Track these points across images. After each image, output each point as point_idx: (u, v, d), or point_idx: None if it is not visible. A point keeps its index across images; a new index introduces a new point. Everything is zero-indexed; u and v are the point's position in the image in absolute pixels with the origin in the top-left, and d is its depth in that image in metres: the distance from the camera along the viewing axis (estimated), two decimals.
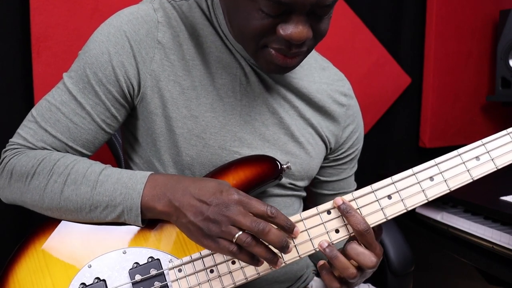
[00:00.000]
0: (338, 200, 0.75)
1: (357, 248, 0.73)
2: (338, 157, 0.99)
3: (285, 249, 0.69)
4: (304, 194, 0.99)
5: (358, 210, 0.76)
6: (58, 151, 0.81)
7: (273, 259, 0.69)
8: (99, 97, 0.80)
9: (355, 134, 0.99)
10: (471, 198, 1.39)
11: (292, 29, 0.69)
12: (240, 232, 0.67)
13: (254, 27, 0.71)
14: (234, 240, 0.67)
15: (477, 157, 0.77)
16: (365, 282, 1.09)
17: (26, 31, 1.30)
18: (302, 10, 0.68)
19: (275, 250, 0.70)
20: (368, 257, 0.73)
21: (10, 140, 0.82)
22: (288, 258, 0.76)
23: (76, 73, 0.81)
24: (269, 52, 0.74)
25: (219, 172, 0.83)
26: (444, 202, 1.50)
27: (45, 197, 0.77)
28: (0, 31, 1.29)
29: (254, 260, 0.70)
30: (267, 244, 0.69)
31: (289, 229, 0.70)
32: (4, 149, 0.83)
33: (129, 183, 0.75)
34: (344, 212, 0.74)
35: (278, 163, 0.84)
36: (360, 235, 0.73)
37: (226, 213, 0.67)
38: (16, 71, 1.32)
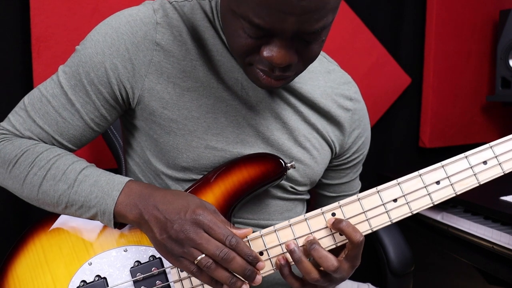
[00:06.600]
0: (331, 219, 0.76)
1: (321, 251, 0.72)
2: (341, 162, 0.97)
3: (250, 278, 0.69)
4: (307, 197, 0.97)
5: (364, 214, 0.77)
6: (44, 142, 0.81)
7: (235, 284, 0.68)
8: (89, 97, 0.80)
9: (360, 139, 0.97)
10: (471, 198, 1.39)
11: (274, 53, 0.68)
12: (202, 256, 0.67)
13: (239, 45, 0.70)
14: (195, 262, 0.68)
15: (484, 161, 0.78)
16: (364, 281, 1.08)
17: (26, 31, 1.30)
18: (284, 36, 0.66)
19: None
20: (330, 261, 0.72)
21: (1, 124, 0.84)
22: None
23: (70, 68, 0.81)
24: (255, 70, 0.73)
25: (223, 170, 0.82)
26: (444, 202, 1.50)
27: (25, 187, 0.78)
28: (0, 31, 1.29)
29: (213, 282, 0.70)
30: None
31: (251, 263, 0.69)
32: None
33: (105, 188, 0.75)
34: (340, 229, 0.74)
35: (282, 162, 0.83)
36: (356, 246, 0.73)
37: (188, 235, 0.68)
38: (16, 71, 1.32)
